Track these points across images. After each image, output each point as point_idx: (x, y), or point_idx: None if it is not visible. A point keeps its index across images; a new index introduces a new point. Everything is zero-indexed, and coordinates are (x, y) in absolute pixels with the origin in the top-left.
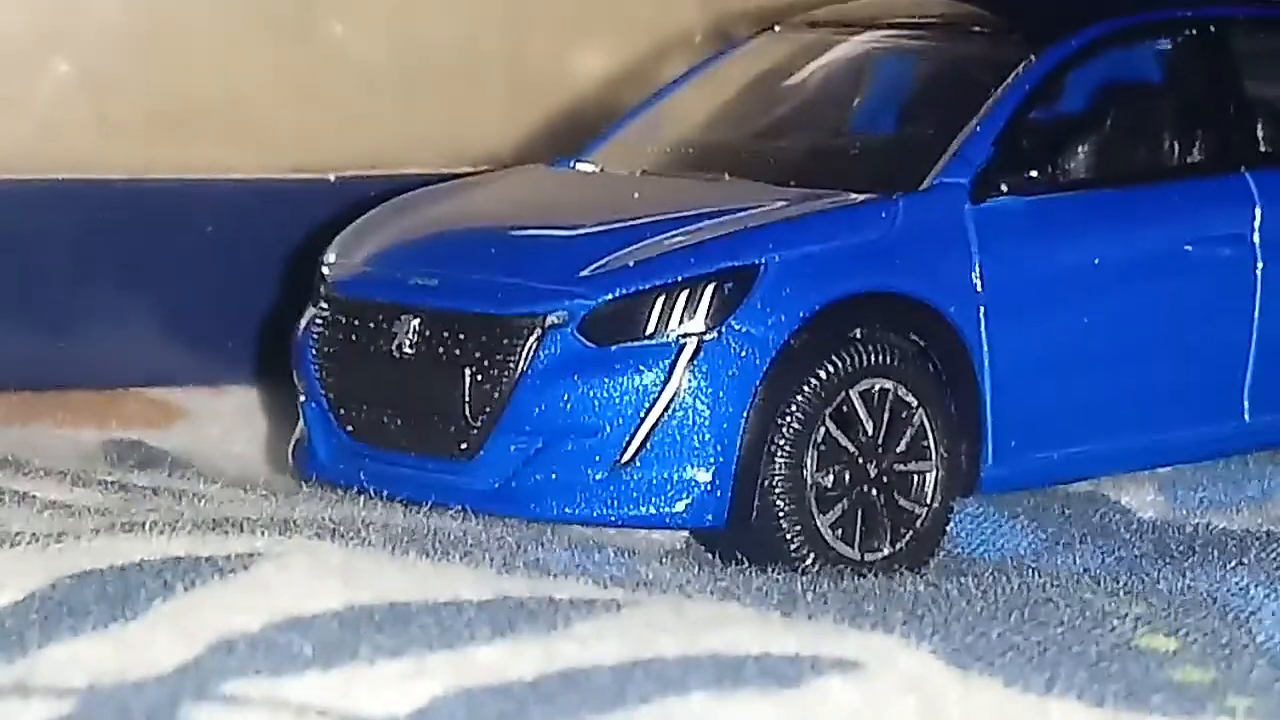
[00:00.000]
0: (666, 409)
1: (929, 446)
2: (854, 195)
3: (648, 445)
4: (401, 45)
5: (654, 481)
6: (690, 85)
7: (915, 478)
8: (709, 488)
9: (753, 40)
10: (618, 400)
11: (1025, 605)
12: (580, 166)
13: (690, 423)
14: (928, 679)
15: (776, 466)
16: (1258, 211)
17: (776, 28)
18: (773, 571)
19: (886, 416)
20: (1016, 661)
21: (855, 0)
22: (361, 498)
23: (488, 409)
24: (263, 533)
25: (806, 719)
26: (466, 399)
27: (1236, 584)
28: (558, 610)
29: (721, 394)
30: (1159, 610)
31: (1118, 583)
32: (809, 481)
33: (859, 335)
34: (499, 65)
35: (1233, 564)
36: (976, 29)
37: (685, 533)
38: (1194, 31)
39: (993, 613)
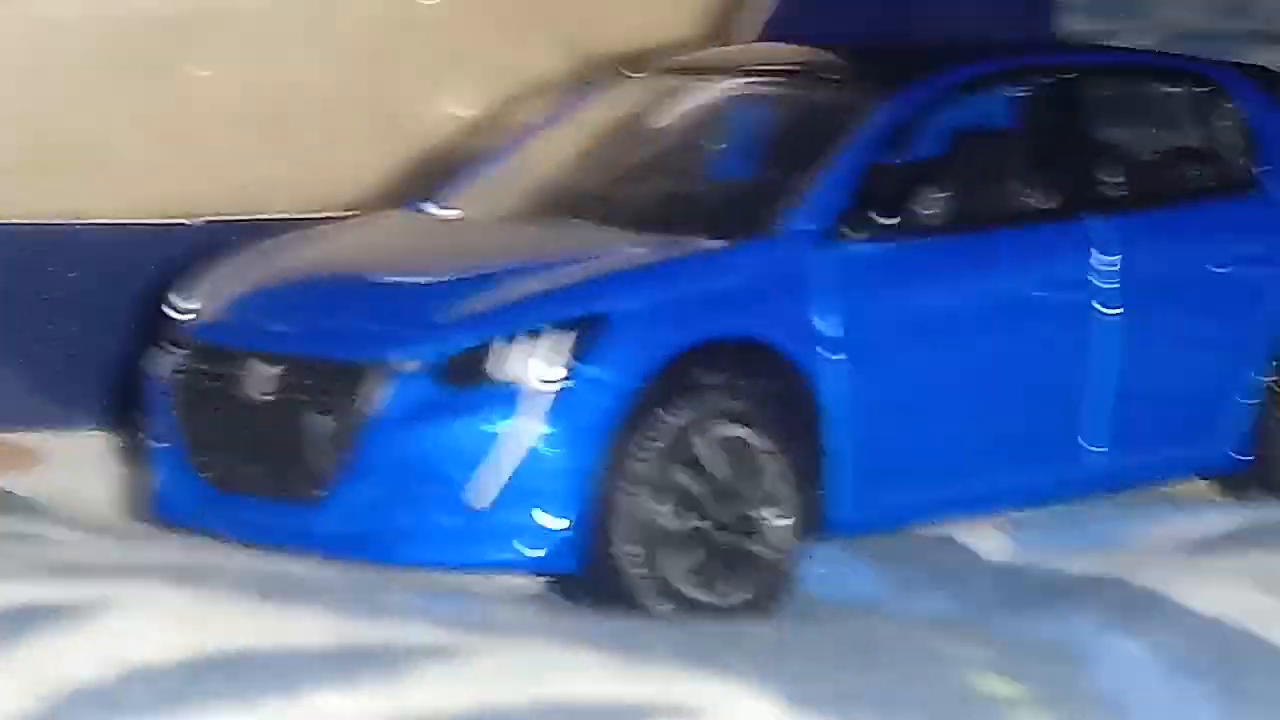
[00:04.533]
0: (518, 455)
1: (779, 491)
2: (706, 241)
3: (500, 491)
4: (265, 87)
5: (506, 527)
6: (547, 130)
7: (765, 522)
8: (561, 533)
9: (609, 86)
10: (470, 446)
11: (868, 650)
12: (437, 212)
13: (542, 469)
14: None
15: (628, 512)
16: (1105, 257)
17: (633, 73)
18: (622, 617)
19: (737, 461)
20: (856, 707)
21: (713, 48)
22: (214, 543)
23: (341, 454)
24: (111, 579)
25: None
26: (320, 444)
27: (1077, 629)
28: (402, 656)
29: (573, 440)
30: (1000, 655)
31: (961, 627)
32: (660, 527)
33: (709, 381)
34: (364, 107)
35: (1074, 609)
36: (831, 76)
37: (540, 577)
38: (1044, 79)
39: (835, 658)
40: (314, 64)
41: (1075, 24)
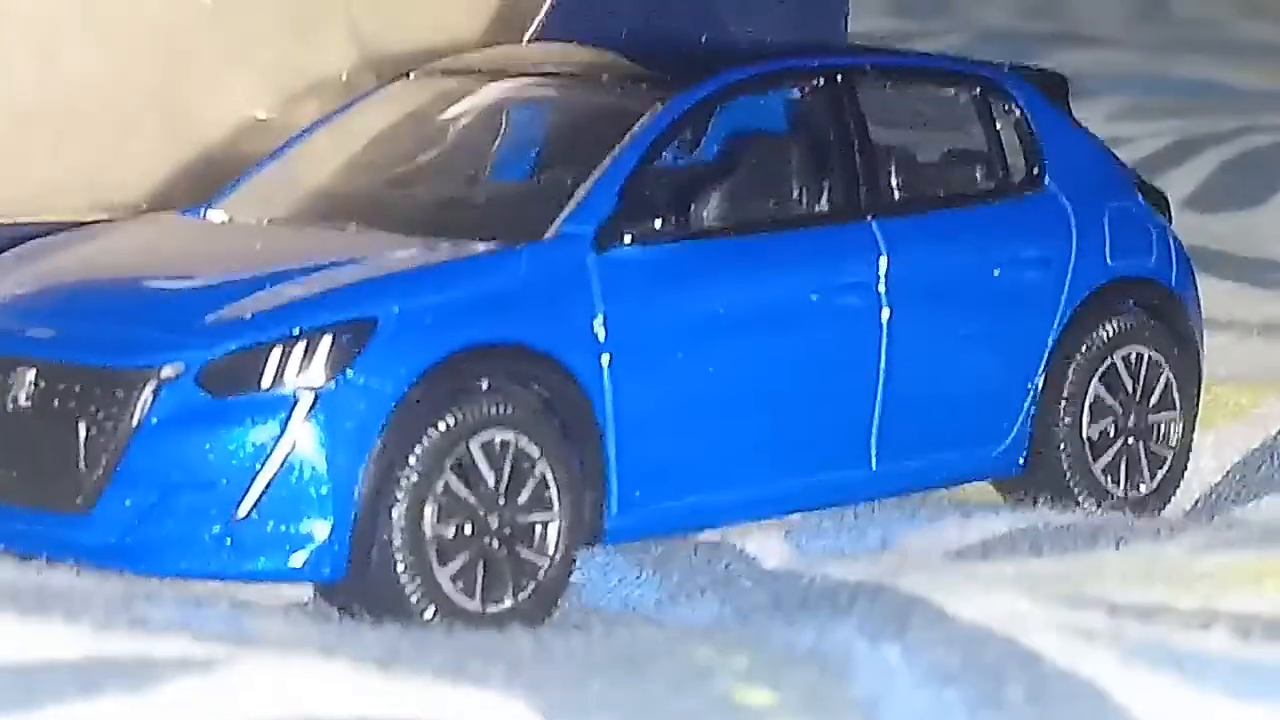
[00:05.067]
0: (283, 462)
1: (552, 497)
2: (477, 245)
3: (264, 499)
4: (52, 85)
5: (270, 535)
6: (322, 133)
7: (538, 529)
8: (326, 541)
9: (386, 87)
10: (234, 454)
11: (632, 659)
12: (209, 215)
13: (307, 476)
14: None
15: (395, 519)
16: (883, 260)
17: (411, 75)
18: (386, 625)
19: (508, 468)
20: (610, 716)
21: (493, 48)
22: None
23: (103, 462)
24: None
25: None
26: (82, 452)
27: (841, 636)
28: (154, 669)
29: (339, 446)
30: (762, 663)
31: (728, 635)
32: (429, 534)
33: (480, 386)
34: (151, 104)
35: (841, 615)
36: (608, 78)
37: (306, 585)
38: (821, 81)
39: (598, 667)
40: (102, 62)
41: (879, 23)
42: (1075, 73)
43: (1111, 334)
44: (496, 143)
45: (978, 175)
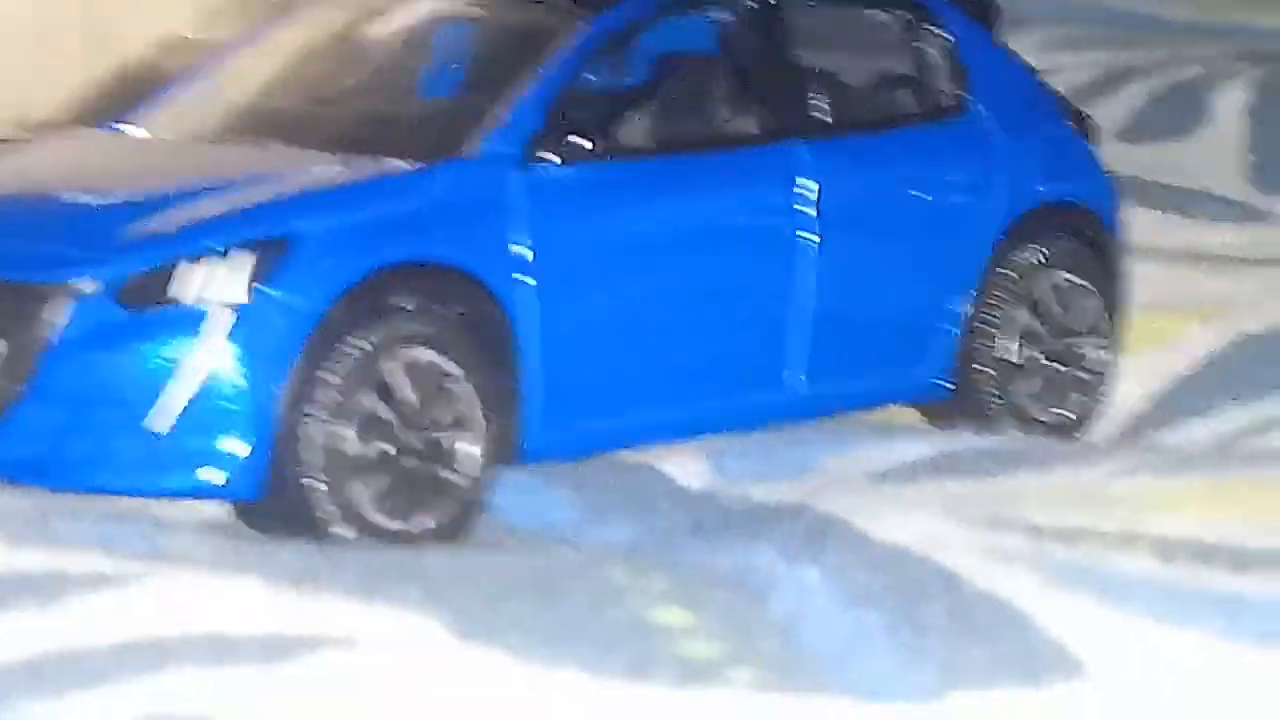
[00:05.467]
0: (199, 379)
1: (471, 417)
2: (399, 163)
3: (181, 415)
4: None
5: (187, 452)
6: (245, 50)
7: (457, 449)
8: (243, 459)
9: (312, 5)
10: (149, 370)
11: (548, 580)
12: (128, 131)
13: (225, 393)
14: (430, 653)
15: (314, 437)
16: (811, 182)
17: None
18: (306, 545)
19: (427, 387)
20: (525, 636)
21: None
22: None
23: (18, 378)
24: None
25: (304, 690)
26: None
27: (760, 558)
28: (63, 585)
29: (257, 363)
30: (679, 585)
31: (646, 556)
32: (347, 453)
33: (399, 305)
34: (73, 23)
35: (760, 537)
36: None
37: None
38: (748, 3)
39: (514, 588)
40: None
41: None
42: (1007, 2)
43: (1039, 260)
44: (420, 61)
45: (906, 99)
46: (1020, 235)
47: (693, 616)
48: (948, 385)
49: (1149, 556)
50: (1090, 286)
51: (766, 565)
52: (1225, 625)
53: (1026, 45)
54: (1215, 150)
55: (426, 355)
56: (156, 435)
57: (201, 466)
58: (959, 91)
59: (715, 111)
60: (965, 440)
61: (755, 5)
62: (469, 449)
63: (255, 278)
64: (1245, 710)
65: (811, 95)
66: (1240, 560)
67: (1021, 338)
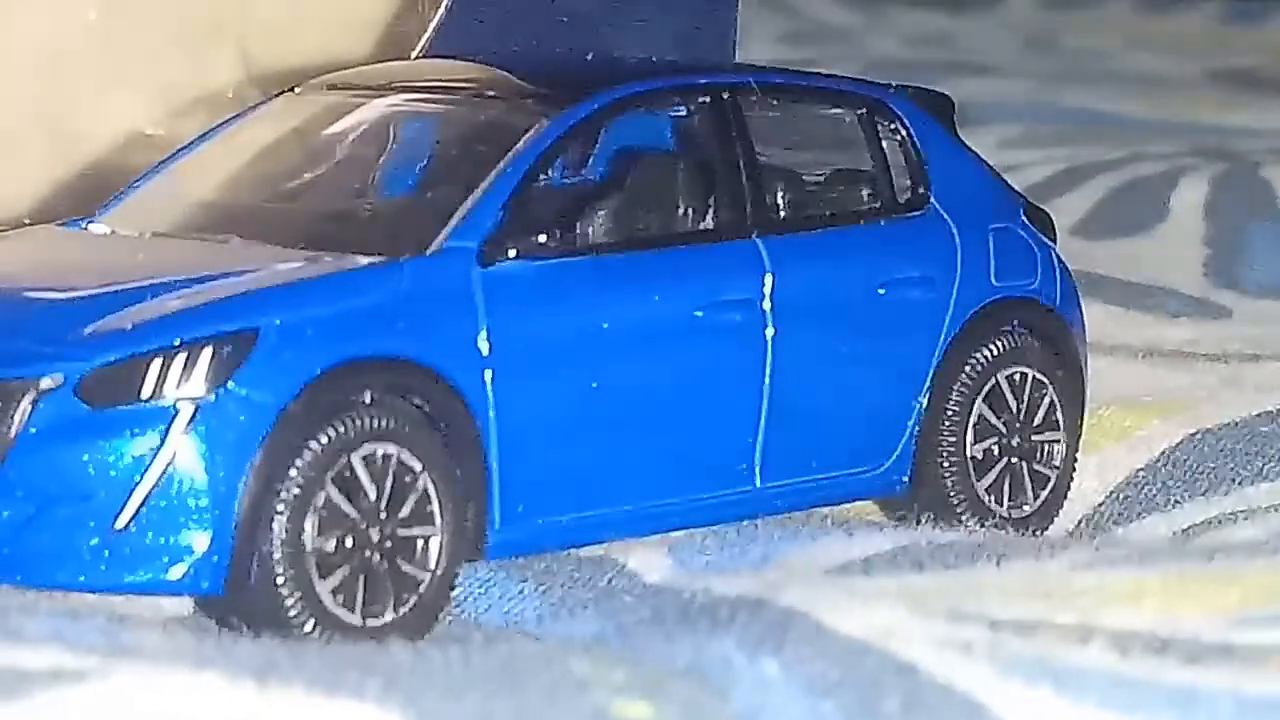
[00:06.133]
0: (162, 474)
1: (433, 511)
2: (361, 258)
3: (143, 511)
4: None
5: (149, 547)
6: (207, 146)
7: (419, 543)
8: (205, 553)
9: (272, 102)
10: (113, 465)
11: (510, 673)
12: (92, 228)
13: (186, 488)
14: None
15: (276, 532)
16: (768, 278)
17: (296, 89)
18: (263, 638)
19: (390, 481)
20: None
21: (378, 64)
22: None
23: None
24: None
25: None
26: None
27: (720, 650)
28: (24, 680)
29: (219, 458)
30: (640, 677)
31: (608, 649)
32: (309, 546)
33: (362, 400)
34: (38, 120)
35: (721, 630)
36: (494, 94)
37: (183, 598)
38: (707, 98)
39: (475, 681)
40: None
41: (771, 51)
42: (967, 101)
43: (995, 354)
44: (382, 157)
45: (863, 194)
46: (977, 330)
47: (654, 709)
48: (906, 480)
49: (1105, 649)
50: (1048, 381)
51: (727, 657)
52: (1178, 717)
53: (986, 143)
54: (1173, 246)
55: (388, 449)
56: (118, 531)
57: (163, 561)
58: (915, 187)
59: (673, 207)
60: (924, 534)
61: (713, 101)
62: (430, 543)
63: (217, 373)
64: None
65: (768, 191)
66: (1194, 653)
67: (979, 432)
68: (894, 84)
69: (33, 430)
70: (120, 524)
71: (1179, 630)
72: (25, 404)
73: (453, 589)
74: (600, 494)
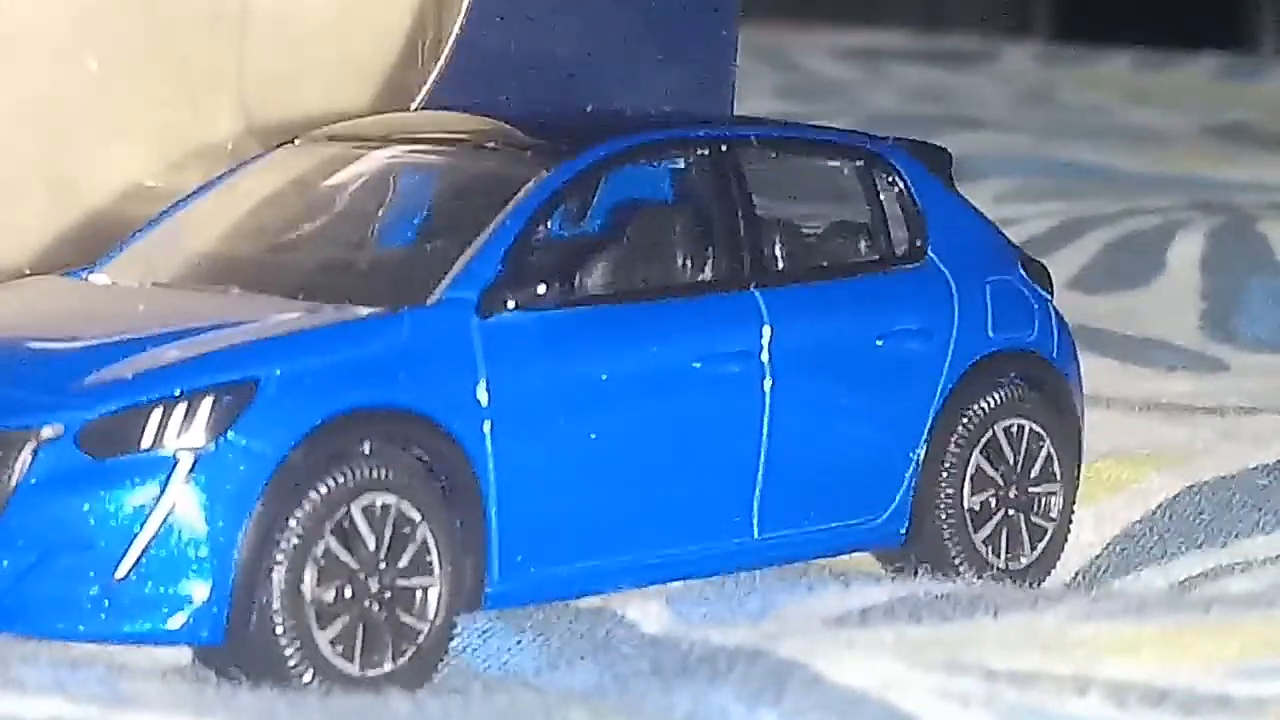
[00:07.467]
0: (162, 524)
1: (432, 562)
2: (361, 309)
3: (143, 561)
4: None
5: (149, 597)
6: (208, 197)
7: (418, 593)
8: (205, 603)
9: (272, 153)
10: (113, 515)
11: None
12: (92, 278)
13: (186, 538)
14: None
15: (275, 582)
16: (766, 329)
17: (296, 141)
18: (263, 689)
19: (389, 531)
20: None
21: (378, 116)
22: None
23: None
24: None
25: None
26: None
27: (718, 702)
28: None
29: (218, 508)
30: None
31: (606, 700)
32: (308, 597)
33: (361, 450)
34: (38, 172)
35: (719, 681)
36: (494, 145)
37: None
38: (706, 151)
39: None
40: None
41: (769, 105)
42: (964, 155)
43: (993, 406)
44: (382, 208)
45: (861, 246)
46: (974, 382)
47: None
48: (903, 532)
49: (1103, 700)
50: (1045, 433)
51: (725, 709)
52: None
53: (983, 196)
54: (1170, 300)
55: (387, 500)
56: (118, 581)
57: (163, 611)
58: (913, 239)
59: (672, 258)
60: (922, 586)
61: (711, 154)
62: (430, 593)
63: (217, 423)
64: None
65: (767, 243)
66: (1191, 705)
67: (977, 484)
68: (892, 137)
69: (33, 480)
70: (120, 574)
71: (1176, 682)
72: (26, 453)
73: (451, 639)
74: (599, 545)
